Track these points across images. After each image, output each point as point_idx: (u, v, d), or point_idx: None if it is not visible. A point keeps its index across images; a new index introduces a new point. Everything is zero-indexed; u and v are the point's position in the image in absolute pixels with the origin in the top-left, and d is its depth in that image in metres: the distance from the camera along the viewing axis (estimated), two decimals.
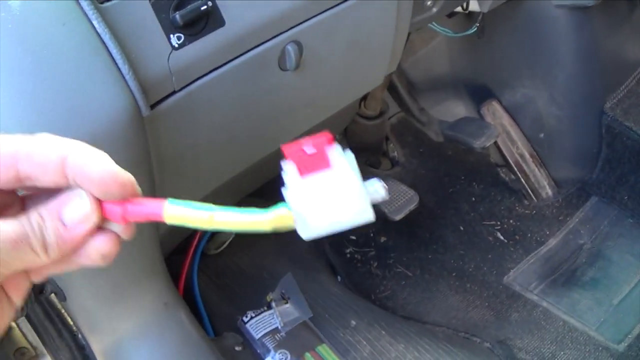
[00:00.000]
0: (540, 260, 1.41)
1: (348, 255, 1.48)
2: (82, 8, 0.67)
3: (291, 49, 0.84)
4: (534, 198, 1.54)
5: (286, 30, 0.84)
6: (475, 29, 1.43)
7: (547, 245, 1.43)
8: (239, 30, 0.78)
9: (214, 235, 1.33)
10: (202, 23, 0.75)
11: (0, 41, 0.62)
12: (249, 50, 0.81)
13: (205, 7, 0.74)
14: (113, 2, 0.70)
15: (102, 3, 0.69)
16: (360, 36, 0.95)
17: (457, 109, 1.73)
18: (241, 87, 0.82)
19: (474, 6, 1.31)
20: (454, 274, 1.42)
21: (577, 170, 1.53)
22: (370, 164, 1.61)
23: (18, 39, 0.63)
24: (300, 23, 0.85)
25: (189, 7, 0.73)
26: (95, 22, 0.67)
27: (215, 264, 1.32)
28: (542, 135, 1.54)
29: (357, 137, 1.48)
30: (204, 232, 1.26)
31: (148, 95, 0.71)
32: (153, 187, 0.77)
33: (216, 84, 0.78)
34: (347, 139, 1.50)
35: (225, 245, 1.32)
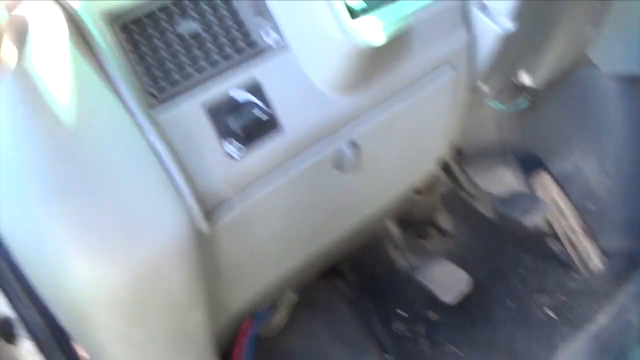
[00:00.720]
0: (589, 338, 1.36)
1: (397, 333, 1.44)
2: (138, 122, 0.65)
3: (348, 150, 0.82)
4: (584, 270, 1.50)
5: (343, 133, 0.81)
6: (527, 102, 1.40)
7: (596, 322, 1.39)
8: (297, 135, 0.76)
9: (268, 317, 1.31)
10: (259, 130, 0.73)
11: (55, 160, 0.60)
12: (306, 154, 0.78)
13: (263, 115, 0.72)
14: (169, 112, 0.68)
15: (154, 110, 0.67)
16: (417, 130, 0.94)
17: (505, 177, 1.69)
18: (297, 190, 0.80)
19: (526, 80, 1.28)
20: (503, 353, 1.38)
21: (628, 241, 1.49)
22: (419, 236, 1.58)
23: (73, 157, 0.61)
24: (358, 125, 0.82)
25: (246, 115, 0.72)
26: (151, 137, 0.66)
27: (266, 346, 1.30)
28: (591, 206, 1.50)
29: (407, 211, 1.46)
30: (258, 314, 1.24)
31: (204, 207, 0.69)
32: (207, 294, 0.75)
33: (272, 189, 0.77)
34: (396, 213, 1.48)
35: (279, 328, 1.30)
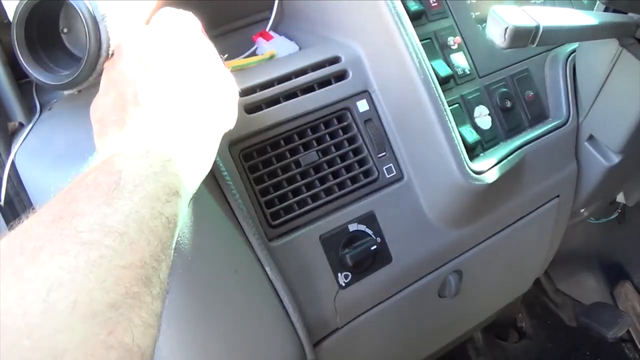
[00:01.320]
0: None
1: None
2: (256, 254, 0.66)
3: (452, 278, 0.82)
4: None
5: (449, 261, 0.81)
6: (617, 214, 1.38)
7: None
8: (405, 266, 0.77)
9: None
10: (370, 260, 0.74)
11: (171, 286, 0.61)
12: (412, 284, 0.78)
13: (375, 246, 0.73)
14: (284, 240, 0.69)
15: (270, 240, 0.68)
16: (518, 254, 0.93)
17: (588, 282, 1.67)
18: (400, 315, 0.81)
19: (619, 198, 1.27)
20: None
21: None
22: (499, 337, 1.56)
23: (189, 285, 0.63)
24: (463, 253, 0.82)
25: (359, 247, 0.73)
26: (267, 268, 0.67)
27: None
28: None
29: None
30: None
31: (312, 335, 0.70)
32: None
33: (378, 317, 0.77)
34: None
35: None
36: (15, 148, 0.69)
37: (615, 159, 0.91)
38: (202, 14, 0.74)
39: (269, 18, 0.87)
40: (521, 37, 0.63)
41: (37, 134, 0.69)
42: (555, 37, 0.67)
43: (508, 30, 0.61)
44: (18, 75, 0.70)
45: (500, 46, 0.63)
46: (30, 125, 0.70)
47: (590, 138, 0.91)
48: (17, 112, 0.71)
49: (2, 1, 0.71)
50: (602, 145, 0.90)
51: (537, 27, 0.63)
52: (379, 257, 0.75)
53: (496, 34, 0.62)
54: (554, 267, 1.55)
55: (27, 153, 0.69)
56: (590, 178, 0.94)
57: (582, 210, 1.07)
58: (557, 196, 0.93)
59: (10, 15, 0.68)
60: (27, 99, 0.72)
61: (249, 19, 0.87)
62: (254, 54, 0.83)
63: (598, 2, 0.78)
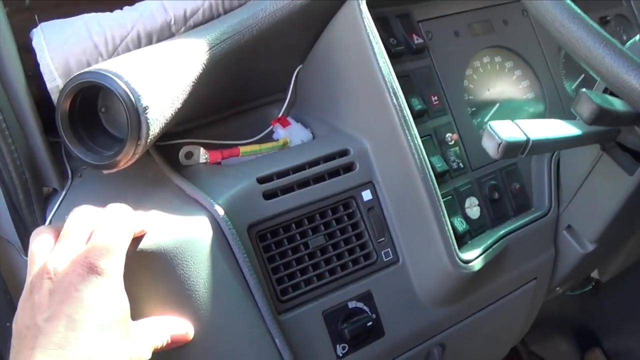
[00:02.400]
0: None
1: None
2: (267, 327, 0.74)
3: (436, 351, 0.90)
4: None
5: (434, 336, 0.89)
6: (591, 287, 1.46)
7: None
8: (396, 339, 0.85)
9: None
10: (365, 334, 0.82)
11: (194, 354, 0.69)
12: (400, 355, 0.86)
13: (370, 322, 0.81)
14: (292, 314, 0.77)
15: (279, 314, 0.76)
16: (495, 329, 1.01)
17: (560, 347, 1.74)
18: None
19: (593, 273, 1.35)
20: None
21: None
22: None
23: (211, 354, 0.71)
24: (447, 329, 0.90)
25: (357, 322, 0.81)
26: (277, 340, 0.75)
27: None
28: None
29: None
30: None
31: None
32: None
33: None
34: None
35: None
36: (50, 215, 0.75)
37: (590, 247, 1.00)
38: (222, 94, 0.82)
39: (283, 99, 0.95)
40: (513, 150, 0.71)
41: (71, 201, 0.76)
42: (542, 148, 0.75)
43: (501, 146, 0.69)
44: (45, 129, 0.75)
45: (494, 158, 0.71)
46: (64, 193, 0.76)
47: (569, 227, 1.00)
48: (52, 178, 0.76)
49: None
50: (579, 234, 0.99)
51: (527, 141, 0.71)
52: (374, 332, 0.83)
53: (491, 147, 0.70)
54: (529, 330, 1.62)
55: (61, 220, 0.76)
56: (566, 263, 1.03)
57: (558, 289, 1.16)
58: (535, 278, 1.01)
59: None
60: (57, 160, 0.77)
61: (265, 99, 0.95)
62: (270, 134, 0.91)
63: None
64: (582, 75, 1.09)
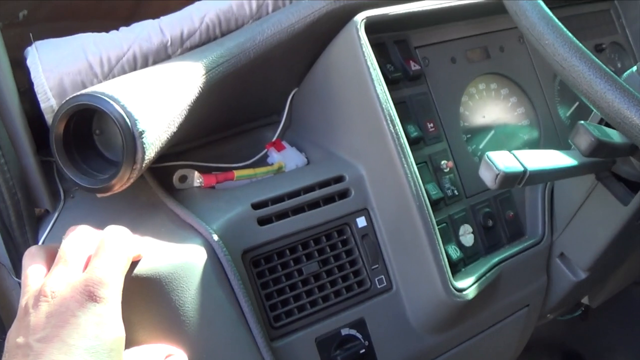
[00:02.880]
0: None
1: None
2: (261, 354, 0.73)
3: None
4: None
5: None
6: (580, 312, 1.47)
7: None
8: None
9: None
10: None
11: None
12: None
13: (363, 350, 0.81)
14: (285, 340, 0.77)
15: (272, 340, 0.75)
16: (487, 355, 1.01)
17: None
18: None
19: (584, 300, 1.35)
20: None
21: None
22: None
23: None
24: (439, 355, 0.90)
25: (349, 350, 0.81)
26: None
27: None
28: None
29: None
30: None
31: None
32: None
33: None
34: None
35: None
36: (43, 236, 0.74)
37: (583, 275, 1.00)
38: (217, 116, 0.82)
39: (277, 122, 0.95)
40: (510, 180, 0.71)
41: (63, 223, 0.75)
42: (539, 179, 0.75)
43: (499, 177, 0.69)
44: (38, 148, 0.74)
45: (492, 188, 0.71)
46: (56, 214, 0.75)
47: (561, 255, 1.00)
48: (44, 199, 0.75)
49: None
50: (571, 262, 1.00)
51: (525, 172, 0.71)
52: (366, 359, 0.82)
53: (488, 178, 0.70)
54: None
55: (54, 242, 0.75)
56: (558, 290, 1.03)
57: (549, 315, 1.15)
58: (527, 305, 1.01)
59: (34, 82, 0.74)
60: (49, 180, 0.76)
61: (260, 122, 0.95)
62: (264, 157, 0.91)
63: None
64: (577, 103, 1.10)
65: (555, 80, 1.07)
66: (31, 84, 0.77)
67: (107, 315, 0.56)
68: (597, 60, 0.65)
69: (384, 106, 0.78)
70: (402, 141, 0.78)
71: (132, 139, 0.65)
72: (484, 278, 0.86)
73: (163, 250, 0.68)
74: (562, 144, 1.04)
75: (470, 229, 0.90)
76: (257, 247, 0.76)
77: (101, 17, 1.00)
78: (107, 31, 0.84)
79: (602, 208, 0.89)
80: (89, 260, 0.60)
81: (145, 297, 0.64)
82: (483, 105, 0.97)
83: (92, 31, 0.82)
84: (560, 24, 0.68)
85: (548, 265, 0.99)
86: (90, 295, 0.52)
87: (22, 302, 0.57)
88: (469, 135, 0.95)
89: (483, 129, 0.97)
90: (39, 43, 0.80)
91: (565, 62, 0.66)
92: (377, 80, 0.77)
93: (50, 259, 0.57)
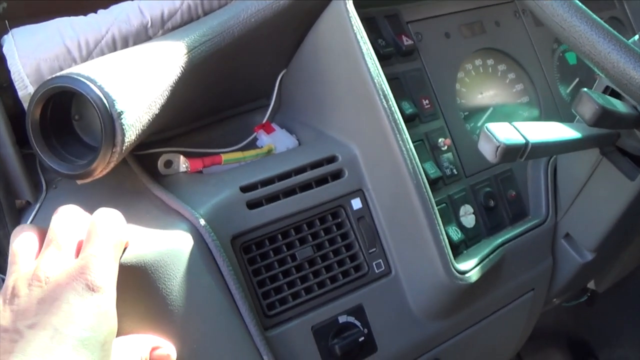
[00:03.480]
0: None
1: None
2: (255, 343, 0.69)
3: None
4: None
5: (429, 350, 0.85)
6: (586, 298, 1.43)
7: None
8: (389, 355, 0.81)
9: None
10: (357, 350, 0.77)
11: None
12: None
13: (362, 337, 0.77)
14: (279, 329, 0.73)
15: (266, 330, 0.71)
16: (491, 342, 0.97)
17: (555, 358, 1.71)
18: None
19: (589, 284, 1.32)
20: None
21: None
22: None
23: None
24: (442, 343, 0.86)
25: (348, 338, 0.76)
26: (265, 357, 0.70)
27: None
28: None
29: None
30: None
31: None
32: None
33: None
34: None
35: None
36: None
37: (589, 256, 0.96)
38: (203, 100, 0.78)
39: (266, 105, 0.91)
40: (511, 153, 0.67)
41: (45, 213, 0.72)
42: (542, 152, 0.72)
43: (499, 149, 0.65)
44: (19, 142, 0.71)
45: (492, 162, 0.67)
46: (38, 205, 0.72)
47: (567, 236, 0.96)
48: (25, 190, 0.72)
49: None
50: (577, 243, 0.96)
51: (526, 144, 0.68)
52: (366, 347, 0.78)
53: (489, 151, 0.67)
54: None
55: None
56: (564, 273, 0.99)
57: (555, 300, 1.12)
58: (532, 289, 0.97)
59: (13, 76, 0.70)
60: (31, 172, 0.73)
61: (248, 106, 0.91)
62: (253, 141, 0.87)
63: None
64: (577, 79, 1.06)
65: (554, 56, 1.03)
66: (8, 73, 0.73)
67: (104, 306, 0.53)
68: (599, 19, 0.61)
69: (376, 81, 0.75)
70: (396, 117, 0.74)
71: (110, 120, 0.62)
72: (486, 260, 0.82)
73: (148, 237, 0.64)
74: (563, 121, 1.00)
75: (471, 210, 0.87)
76: (247, 232, 0.72)
77: (81, 8, 0.96)
78: (85, 15, 0.80)
79: (608, 184, 0.86)
80: (80, 243, 0.57)
81: (131, 286, 0.61)
82: (480, 82, 0.94)
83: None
84: None
85: (553, 246, 0.96)
86: (87, 285, 0.51)
87: (9, 282, 0.54)
88: (466, 113, 0.91)
89: (481, 107, 0.93)
90: (15, 30, 0.77)
91: (566, 23, 0.62)
92: (368, 55, 0.74)
93: (40, 239, 0.56)
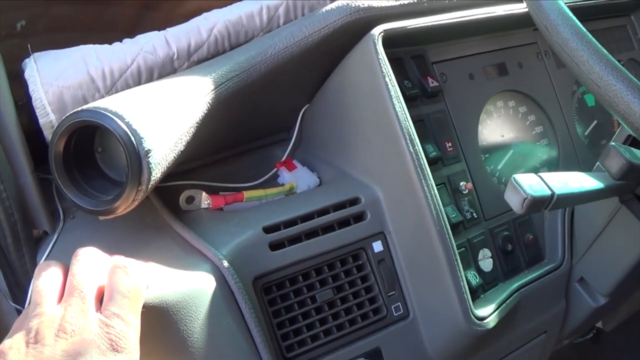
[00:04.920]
0: None
1: None
2: None
3: None
4: None
5: None
6: (592, 335, 1.42)
7: None
8: None
9: None
10: None
11: None
12: None
13: None
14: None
15: None
16: None
17: None
18: None
19: (598, 324, 1.32)
20: None
21: None
22: None
23: None
24: None
25: None
26: None
27: None
28: None
29: None
30: None
31: None
32: None
33: None
34: None
35: None
36: (41, 260, 0.70)
37: (602, 300, 0.96)
38: (225, 134, 0.77)
39: (286, 139, 0.91)
40: (537, 205, 0.67)
41: (63, 245, 0.71)
42: (566, 202, 0.71)
43: (526, 201, 0.65)
44: (35, 165, 0.70)
45: (518, 213, 0.67)
46: (56, 236, 0.71)
47: (581, 280, 0.96)
48: (43, 220, 0.71)
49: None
50: (591, 287, 0.95)
51: (552, 195, 0.67)
52: None
53: (516, 202, 0.66)
54: None
55: None
56: (577, 316, 0.99)
57: (564, 341, 1.11)
58: (545, 332, 0.97)
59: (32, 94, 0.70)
60: (47, 198, 0.72)
61: (268, 139, 0.90)
62: (273, 176, 0.86)
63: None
64: (595, 122, 1.06)
65: (573, 97, 1.03)
66: (29, 98, 0.72)
67: None
68: (635, 79, 0.61)
69: (402, 124, 0.74)
70: (422, 161, 0.74)
71: (137, 158, 0.61)
72: (504, 305, 0.82)
73: (170, 277, 0.64)
74: (580, 164, 1.00)
75: (490, 254, 0.86)
76: (269, 274, 0.72)
77: (101, 29, 0.96)
78: (110, 43, 0.79)
79: (626, 232, 0.86)
80: (102, 289, 0.57)
81: (152, 327, 0.60)
82: (501, 124, 0.93)
83: (92, 43, 0.78)
84: (594, 40, 0.64)
85: (567, 290, 0.95)
86: (112, 345, 0.51)
87: (33, 324, 0.53)
88: (486, 155, 0.91)
89: (501, 149, 0.93)
90: (37, 55, 0.76)
91: (602, 81, 0.62)
92: (396, 97, 0.73)
93: (64, 278, 0.56)
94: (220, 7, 0.86)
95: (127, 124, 0.61)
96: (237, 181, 0.84)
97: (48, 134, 0.72)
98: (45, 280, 0.57)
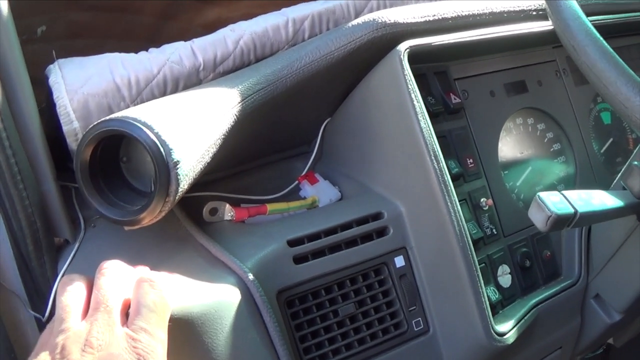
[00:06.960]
0: None
1: None
2: None
3: None
4: None
5: None
6: (602, 350, 1.43)
7: None
8: None
9: None
10: None
11: None
12: None
13: None
14: None
15: None
16: None
17: None
18: None
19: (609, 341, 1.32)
20: None
21: None
22: None
23: None
24: None
25: None
26: None
27: None
28: None
29: None
30: None
31: None
32: None
33: None
34: None
35: None
36: (63, 268, 0.69)
37: (617, 317, 0.96)
38: (248, 146, 0.78)
39: (307, 152, 0.91)
40: (561, 223, 0.67)
41: (85, 254, 0.70)
42: (588, 221, 0.72)
43: (550, 219, 0.66)
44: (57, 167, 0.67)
45: (541, 231, 0.67)
46: (77, 245, 0.71)
47: (597, 296, 0.96)
48: (64, 228, 0.71)
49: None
50: (607, 304, 0.96)
51: (575, 214, 0.68)
52: None
53: (540, 220, 0.67)
54: None
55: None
56: (591, 332, 0.99)
57: (578, 357, 1.11)
58: (560, 348, 0.97)
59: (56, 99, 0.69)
60: (68, 205, 0.72)
61: (289, 152, 0.91)
62: (295, 189, 0.86)
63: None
64: (611, 139, 1.06)
65: (590, 115, 1.03)
66: (52, 105, 0.72)
67: None
68: None
69: (427, 141, 0.75)
70: (445, 177, 0.74)
71: (166, 169, 0.61)
72: (522, 321, 0.82)
73: (195, 290, 0.64)
74: (596, 180, 1.00)
75: (508, 270, 0.86)
76: (293, 287, 0.72)
77: (119, 36, 0.96)
78: (127, 51, 0.80)
79: None
80: (127, 303, 0.57)
81: (176, 340, 0.60)
82: (520, 141, 0.94)
83: (110, 50, 0.78)
84: (622, 62, 0.64)
85: (582, 306, 0.95)
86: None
87: (59, 339, 0.53)
88: (506, 172, 0.91)
89: (520, 165, 0.93)
90: (62, 61, 0.76)
91: (629, 102, 0.63)
92: (421, 113, 0.73)
93: (88, 292, 0.55)
94: (238, 17, 0.86)
95: (157, 135, 0.61)
96: (258, 193, 0.84)
97: (71, 142, 0.72)
98: (70, 295, 0.56)
